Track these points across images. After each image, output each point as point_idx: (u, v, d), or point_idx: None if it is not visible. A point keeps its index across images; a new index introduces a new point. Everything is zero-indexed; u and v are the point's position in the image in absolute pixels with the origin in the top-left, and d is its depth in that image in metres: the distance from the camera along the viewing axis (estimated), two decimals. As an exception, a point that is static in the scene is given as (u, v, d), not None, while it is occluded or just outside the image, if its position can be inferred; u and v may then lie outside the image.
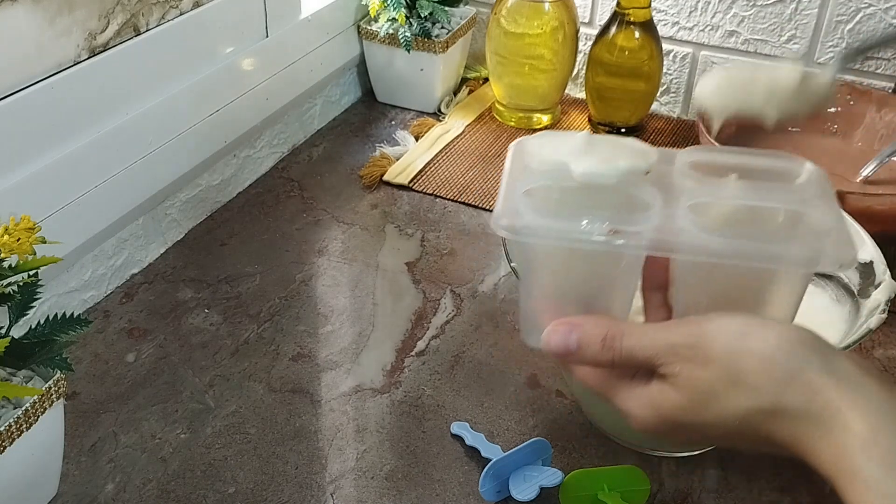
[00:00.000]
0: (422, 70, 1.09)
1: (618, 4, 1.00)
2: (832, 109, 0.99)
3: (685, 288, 0.47)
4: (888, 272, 0.63)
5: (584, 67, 1.07)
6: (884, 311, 0.60)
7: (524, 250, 0.48)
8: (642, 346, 0.44)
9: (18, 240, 0.53)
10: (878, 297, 0.62)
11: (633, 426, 0.46)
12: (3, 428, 0.53)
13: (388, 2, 1.05)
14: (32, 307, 0.58)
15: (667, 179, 0.47)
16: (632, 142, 0.48)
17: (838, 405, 0.39)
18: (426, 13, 1.07)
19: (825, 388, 0.39)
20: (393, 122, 1.11)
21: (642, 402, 0.45)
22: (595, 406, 0.67)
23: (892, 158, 0.89)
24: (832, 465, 0.39)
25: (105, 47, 0.75)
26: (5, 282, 0.55)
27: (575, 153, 0.46)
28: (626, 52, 1.01)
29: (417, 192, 0.97)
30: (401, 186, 0.97)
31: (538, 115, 1.09)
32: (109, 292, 0.81)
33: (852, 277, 0.66)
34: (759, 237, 0.43)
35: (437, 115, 1.12)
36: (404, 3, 1.05)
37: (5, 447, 0.53)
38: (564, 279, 0.47)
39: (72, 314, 0.59)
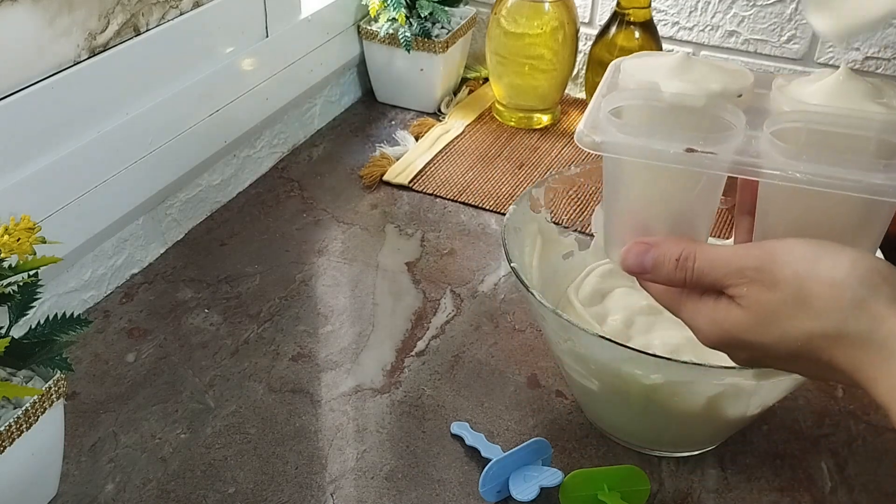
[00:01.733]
0: (422, 70, 1.09)
1: (618, 4, 1.00)
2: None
3: (764, 212, 0.48)
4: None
5: (584, 67, 1.07)
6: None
7: (609, 165, 0.49)
8: (713, 268, 0.45)
9: (18, 240, 0.53)
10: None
11: (698, 339, 0.47)
12: (3, 428, 0.53)
13: (388, 2, 1.05)
14: (32, 307, 0.58)
15: (759, 103, 0.47)
16: (729, 64, 0.49)
17: None
18: (426, 13, 1.07)
19: (891, 319, 0.40)
20: (393, 122, 1.11)
21: (708, 318, 0.46)
22: (595, 406, 0.67)
23: None
24: (889, 394, 0.40)
25: (105, 47, 0.75)
26: (5, 282, 0.55)
27: (669, 73, 0.46)
28: (627, 52, 1.01)
29: (417, 192, 0.97)
30: (401, 186, 0.97)
31: (538, 115, 1.09)
32: (109, 292, 0.81)
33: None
34: (840, 164, 0.42)
35: (437, 115, 1.12)
36: (404, 3, 1.05)
37: (5, 447, 0.53)
38: (646, 195, 0.48)
39: (72, 314, 0.59)
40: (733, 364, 0.50)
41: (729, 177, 0.48)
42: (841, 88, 0.45)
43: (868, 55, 1.01)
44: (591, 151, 0.46)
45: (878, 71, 1.01)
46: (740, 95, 0.46)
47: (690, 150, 0.44)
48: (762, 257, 0.43)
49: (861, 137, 0.44)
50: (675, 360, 0.55)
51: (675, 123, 0.46)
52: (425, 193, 0.96)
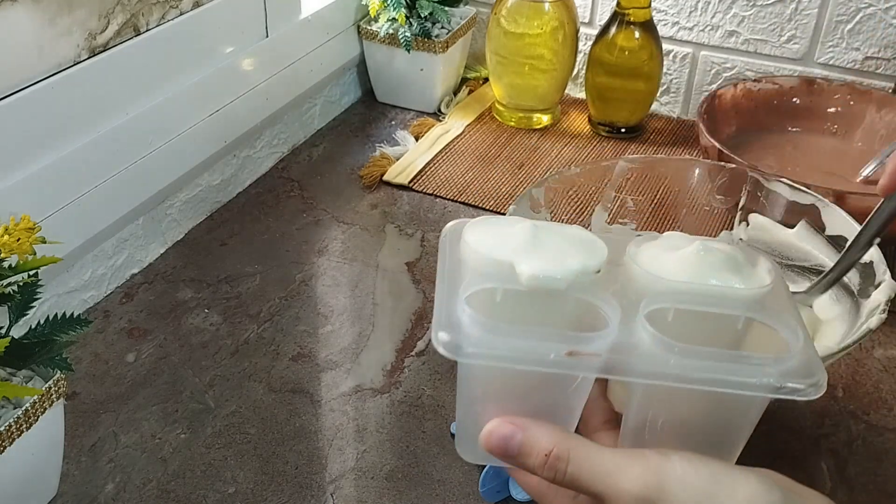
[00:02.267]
0: (422, 70, 1.09)
1: (618, 4, 1.00)
2: (832, 109, 0.99)
3: (640, 404, 0.43)
4: (888, 272, 0.63)
5: (584, 67, 1.07)
6: (884, 311, 0.60)
7: (465, 366, 0.43)
8: (590, 479, 0.40)
9: (18, 240, 0.53)
10: (878, 297, 0.62)
11: None
12: (3, 428, 0.53)
13: (388, 2, 1.05)
14: (32, 307, 0.58)
15: (619, 278, 0.43)
16: (579, 232, 0.44)
17: None
18: (426, 13, 1.07)
19: None
20: (393, 122, 1.11)
21: None
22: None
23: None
24: None
25: (105, 47, 0.75)
26: (5, 282, 0.55)
27: (519, 249, 0.41)
28: (626, 52, 1.01)
29: (417, 192, 0.97)
30: (401, 186, 0.97)
31: (538, 115, 1.09)
32: (109, 292, 0.81)
33: (852, 277, 0.65)
34: (722, 358, 0.39)
35: (437, 115, 1.12)
36: (404, 3, 1.05)
37: (5, 447, 0.53)
38: (508, 396, 0.43)
39: (72, 314, 0.59)
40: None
41: None
42: (700, 261, 0.42)
43: (868, 55, 1.01)
44: (455, 359, 0.40)
45: (878, 71, 1.01)
46: (598, 271, 0.42)
47: (573, 354, 0.39)
48: (649, 485, 0.38)
49: (729, 316, 0.41)
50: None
51: (536, 309, 0.42)
52: (425, 193, 0.96)
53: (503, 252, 0.41)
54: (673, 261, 0.43)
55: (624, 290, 0.42)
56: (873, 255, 0.64)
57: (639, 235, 0.45)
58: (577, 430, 0.45)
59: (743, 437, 0.43)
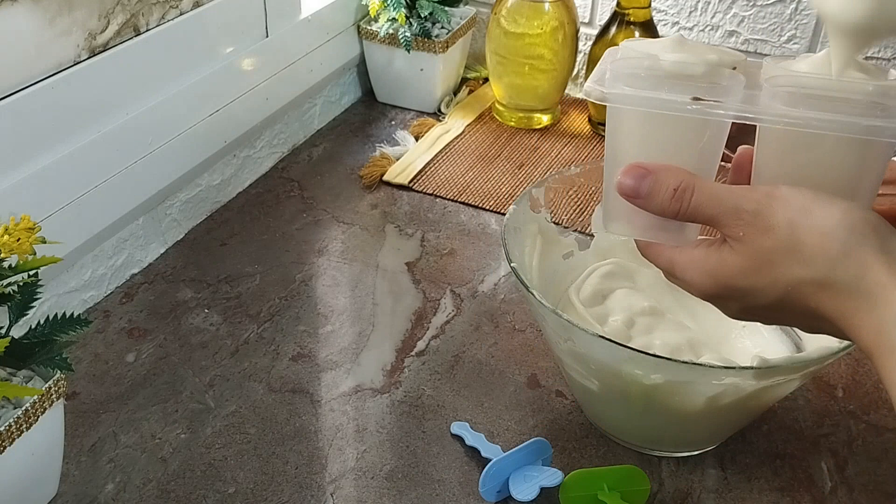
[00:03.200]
0: (422, 70, 1.09)
1: (618, 4, 1.00)
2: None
3: (762, 165, 0.48)
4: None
5: (584, 67, 1.07)
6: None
7: (612, 121, 0.49)
8: (711, 204, 0.45)
9: (18, 240, 0.53)
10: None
11: (692, 292, 0.47)
12: (3, 428, 0.53)
13: (388, 2, 1.05)
14: (32, 307, 0.58)
15: (753, 75, 0.48)
16: (720, 48, 0.50)
17: (886, 283, 0.40)
18: (426, 13, 1.07)
19: (877, 266, 0.40)
20: (393, 122, 1.11)
21: (701, 269, 0.46)
22: (595, 406, 0.67)
23: (893, 158, 0.89)
24: (872, 340, 0.40)
25: (105, 47, 0.75)
26: (5, 282, 0.55)
27: (667, 49, 0.48)
28: (626, 52, 1.01)
29: (417, 192, 0.97)
30: (401, 186, 0.97)
31: (538, 115, 1.09)
32: (109, 292, 0.81)
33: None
34: (838, 110, 0.43)
35: (437, 115, 1.12)
36: (404, 3, 1.05)
37: (5, 447, 0.53)
38: (650, 150, 0.48)
39: (72, 314, 0.59)
40: (734, 364, 0.49)
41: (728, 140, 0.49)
42: (828, 62, 0.47)
43: (868, 55, 1.01)
44: (599, 102, 0.47)
45: (878, 71, 1.01)
46: (734, 68, 0.47)
47: (697, 100, 0.45)
48: (760, 201, 0.43)
49: (854, 101, 0.45)
50: (675, 360, 0.55)
51: (676, 86, 0.47)
52: (425, 193, 0.96)
53: (652, 49, 0.48)
54: (805, 63, 0.48)
55: (756, 83, 0.47)
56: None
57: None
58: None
59: (869, 187, 0.47)
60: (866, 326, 0.41)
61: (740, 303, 0.46)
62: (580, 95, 1.15)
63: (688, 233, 0.49)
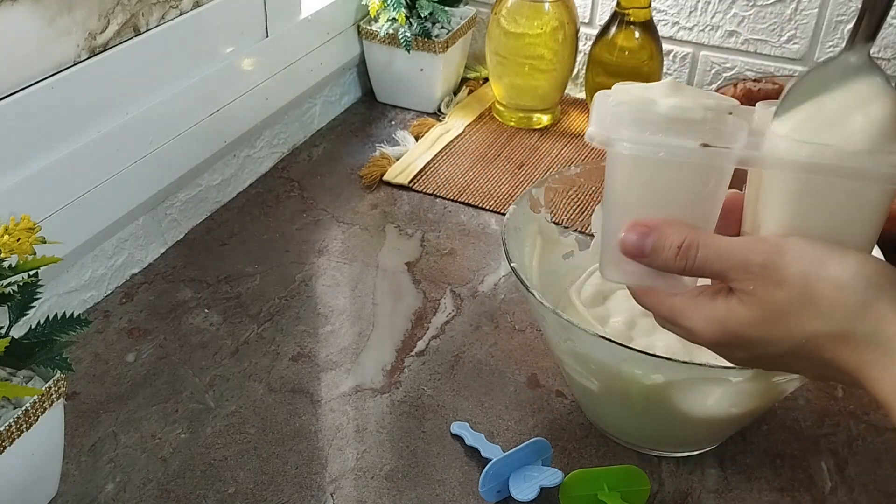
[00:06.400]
0: (422, 70, 1.09)
1: (618, 4, 1.00)
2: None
3: (767, 207, 0.47)
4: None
5: (584, 67, 1.07)
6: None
7: (613, 168, 0.48)
8: (718, 259, 0.44)
9: (18, 240, 0.53)
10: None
11: (696, 341, 0.47)
12: (3, 428, 0.53)
13: (388, 2, 1.05)
14: (32, 307, 0.58)
15: (747, 120, 0.47)
16: (713, 92, 0.49)
17: None
18: (426, 13, 1.07)
19: (894, 319, 0.40)
20: (393, 122, 1.11)
21: (706, 317, 0.45)
22: (595, 406, 0.67)
23: None
24: (890, 393, 0.40)
25: (105, 47, 0.75)
26: (5, 282, 0.55)
27: (662, 93, 0.47)
28: (626, 52, 1.01)
29: (417, 192, 0.97)
30: (401, 186, 0.97)
31: (538, 115, 1.09)
32: (109, 292, 0.81)
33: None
34: (844, 153, 0.43)
35: (437, 115, 1.12)
36: (404, 3, 1.05)
37: (5, 447, 0.53)
38: (649, 200, 0.47)
39: (72, 314, 0.59)
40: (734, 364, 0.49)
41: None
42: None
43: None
44: (603, 147, 0.46)
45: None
46: (731, 113, 0.47)
47: (706, 146, 0.44)
48: (770, 252, 0.43)
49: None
50: (675, 360, 0.55)
51: (676, 132, 0.46)
52: (425, 193, 0.96)
53: (647, 94, 0.47)
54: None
55: (755, 124, 0.47)
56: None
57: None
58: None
59: (870, 237, 0.46)
60: (885, 379, 0.40)
61: (749, 352, 0.45)
62: (580, 95, 1.15)
63: (686, 279, 0.48)
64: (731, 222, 0.50)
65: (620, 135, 0.45)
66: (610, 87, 0.48)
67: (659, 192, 0.47)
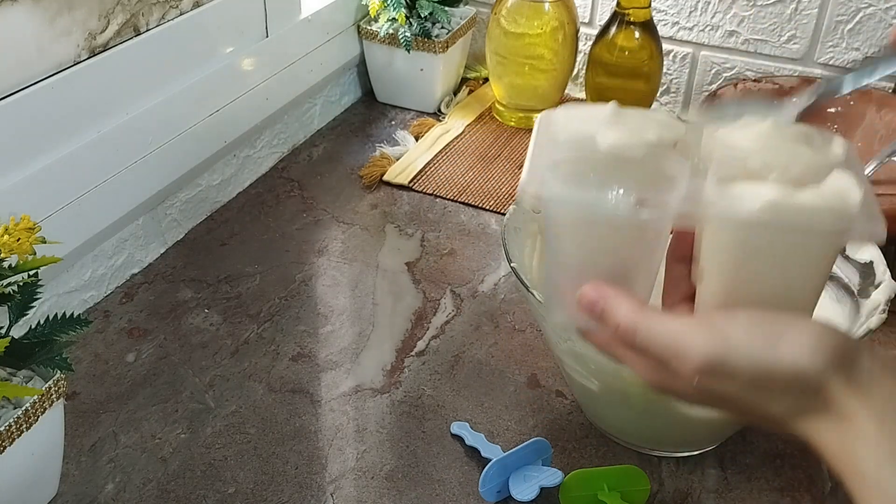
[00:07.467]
0: (422, 70, 1.09)
1: (618, 4, 1.00)
2: (832, 109, 0.99)
3: (711, 261, 0.45)
4: (888, 272, 0.63)
5: (584, 67, 1.07)
6: (884, 311, 0.60)
7: (550, 220, 0.47)
8: (658, 346, 0.43)
9: (18, 240, 0.53)
10: (878, 297, 0.62)
11: (643, 383, 0.46)
12: (3, 428, 0.53)
13: (388, 2, 1.05)
14: (32, 307, 0.58)
15: (694, 151, 0.46)
16: (660, 114, 0.48)
17: (856, 409, 0.39)
18: (426, 13, 1.07)
19: (847, 396, 0.40)
20: (393, 122, 1.11)
21: (652, 377, 0.44)
22: (595, 406, 0.67)
23: (893, 158, 0.89)
24: (843, 465, 0.40)
25: (105, 47, 0.75)
26: (5, 282, 0.55)
27: (602, 125, 0.46)
28: (626, 52, 1.01)
29: (417, 192, 0.97)
30: (401, 186, 0.97)
31: (538, 115, 1.09)
32: (109, 292, 0.81)
33: (852, 277, 0.65)
34: (793, 208, 0.41)
35: (437, 115, 1.12)
36: (404, 3, 1.05)
37: (5, 447, 0.53)
38: (589, 250, 0.47)
39: (72, 314, 0.59)
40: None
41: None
42: (772, 134, 0.44)
43: (868, 55, 1.01)
44: (534, 205, 0.45)
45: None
46: (675, 144, 0.45)
47: (642, 202, 0.42)
48: (714, 344, 0.41)
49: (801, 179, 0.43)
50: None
51: (615, 175, 0.45)
52: (425, 193, 0.96)
53: (588, 127, 0.46)
54: (748, 135, 0.45)
55: (698, 160, 0.45)
56: (873, 255, 0.64)
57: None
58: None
59: (816, 293, 0.45)
60: (837, 452, 0.40)
61: (696, 402, 0.45)
62: (580, 95, 1.15)
63: None
64: (680, 250, 0.48)
65: (552, 188, 0.44)
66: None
67: (597, 243, 0.46)
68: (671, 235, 0.48)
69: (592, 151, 0.45)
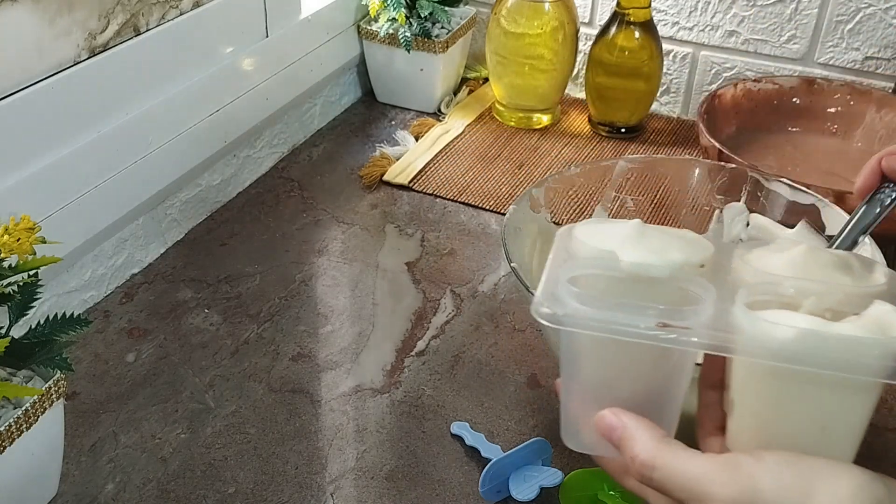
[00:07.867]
0: (422, 70, 1.09)
1: (618, 4, 1.00)
2: (832, 109, 0.99)
3: (741, 396, 0.42)
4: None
5: (584, 67, 1.07)
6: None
7: (566, 341, 0.44)
8: (677, 486, 0.39)
9: (18, 240, 0.53)
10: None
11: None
12: (3, 428, 0.53)
13: (388, 2, 1.05)
14: (32, 307, 0.58)
15: (723, 275, 0.43)
16: (686, 232, 0.45)
17: None
18: (426, 13, 1.07)
19: None
20: (393, 122, 1.11)
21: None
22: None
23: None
24: None
25: (105, 47, 0.75)
26: (5, 282, 0.55)
27: (625, 242, 0.43)
28: (626, 52, 1.01)
29: (417, 192, 0.97)
30: (401, 186, 0.97)
31: (538, 115, 1.09)
32: (109, 292, 0.81)
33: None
34: (830, 340, 0.37)
35: (437, 115, 1.12)
36: (404, 3, 1.05)
37: (5, 447, 0.53)
38: (607, 373, 0.44)
39: (72, 314, 0.59)
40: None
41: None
42: (807, 259, 0.42)
43: (868, 55, 1.01)
44: (550, 325, 0.41)
45: (878, 71, 1.01)
46: (702, 266, 0.43)
47: (664, 325, 0.39)
48: (741, 491, 0.37)
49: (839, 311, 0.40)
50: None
51: (636, 295, 0.42)
52: (425, 193, 0.96)
53: (609, 243, 0.43)
54: (781, 261, 0.42)
55: (727, 284, 0.42)
56: (873, 255, 0.64)
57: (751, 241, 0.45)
58: (693, 432, 0.45)
59: (856, 436, 0.40)
60: None
61: None
62: (580, 95, 1.15)
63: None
64: (717, 378, 0.45)
65: (569, 307, 0.41)
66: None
67: (617, 367, 0.43)
68: (701, 361, 0.45)
69: (613, 270, 0.42)
